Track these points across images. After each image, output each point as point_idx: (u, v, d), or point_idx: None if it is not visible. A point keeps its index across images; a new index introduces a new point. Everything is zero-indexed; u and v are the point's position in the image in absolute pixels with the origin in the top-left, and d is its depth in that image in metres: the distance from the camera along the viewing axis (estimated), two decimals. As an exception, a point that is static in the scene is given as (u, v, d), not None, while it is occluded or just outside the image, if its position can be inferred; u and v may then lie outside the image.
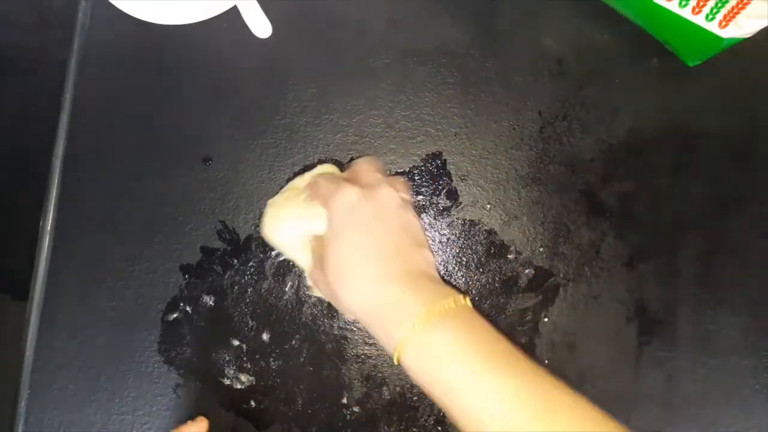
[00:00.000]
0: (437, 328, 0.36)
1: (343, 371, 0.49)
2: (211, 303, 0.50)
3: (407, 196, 0.44)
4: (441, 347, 0.35)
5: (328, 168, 0.49)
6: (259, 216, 0.50)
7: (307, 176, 0.49)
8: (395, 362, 0.37)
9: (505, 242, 0.51)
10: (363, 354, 0.50)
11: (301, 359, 0.49)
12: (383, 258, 0.39)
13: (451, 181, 0.51)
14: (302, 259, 0.45)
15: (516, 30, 0.53)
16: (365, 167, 0.45)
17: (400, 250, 0.40)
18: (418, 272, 0.39)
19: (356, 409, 0.49)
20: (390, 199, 0.41)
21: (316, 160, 0.51)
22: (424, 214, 0.51)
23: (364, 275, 0.39)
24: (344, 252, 0.40)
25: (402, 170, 0.51)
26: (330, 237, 0.41)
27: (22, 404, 0.48)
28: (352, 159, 0.51)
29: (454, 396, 0.35)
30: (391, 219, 0.41)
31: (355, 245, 0.40)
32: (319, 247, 0.43)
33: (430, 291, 0.38)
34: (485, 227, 0.51)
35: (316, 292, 0.48)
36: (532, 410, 0.33)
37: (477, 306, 0.50)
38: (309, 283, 0.47)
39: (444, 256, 0.51)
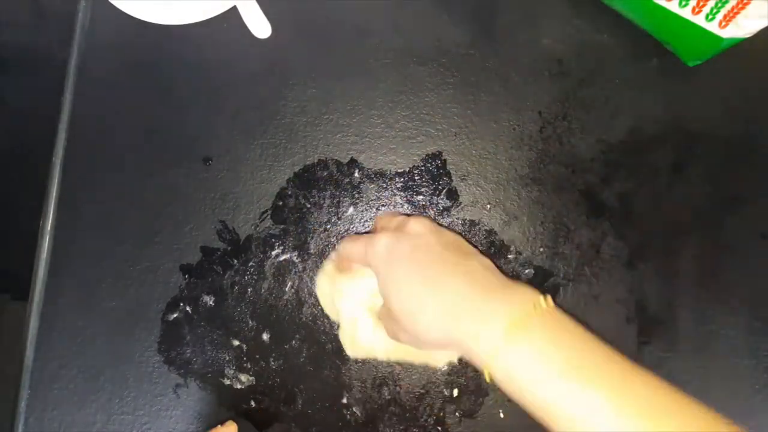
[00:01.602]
0: (522, 342, 0.34)
1: (343, 371, 0.49)
2: (211, 303, 0.50)
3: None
4: (530, 364, 0.34)
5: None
6: (260, 216, 0.50)
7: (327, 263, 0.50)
8: (488, 381, 0.36)
9: (505, 242, 0.51)
10: (363, 354, 0.50)
11: (301, 359, 0.49)
12: (443, 283, 0.38)
13: (451, 181, 0.51)
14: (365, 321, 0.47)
15: (516, 30, 0.53)
16: (383, 219, 0.46)
17: (454, 267, 0.39)
18: (483, 282, 0.38)
19: (356, 409, 0.49)
20: (421, 228, 0.41)
21: (316, 160, 0.51)
22: (425, 213, 0.51)
23: (432, 307, 0.38)
24: (404, 294, 0.39)
25: (402, 170, 0.51)
26: (384, 287, 0.40)
27: (22, 404, 0.48)
28: (352, 159, 0.51)
29: (553, 412, 0.33)
30: (431, 244, 0.40)
31: (411, 283, 0.39)
32: (377, 300, 0.43)
33: (504, 299, 0.37)
34: (485, 227, 0.51)
35: (406, 355, 0.47)
36: (638, 414, 0.32)
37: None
38: (391, 347, 0.47)
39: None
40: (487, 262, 0.40)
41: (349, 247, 0.45)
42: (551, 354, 0.34)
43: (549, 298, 0.37)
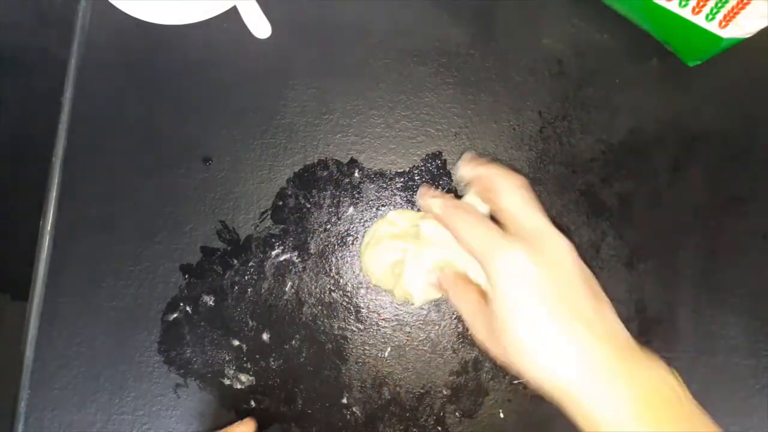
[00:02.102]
0: (651, 425, 0.31)
1: (343, 371, 0.49)
2: (211, 303, 0.50)
3: (530, 195, 0.38)
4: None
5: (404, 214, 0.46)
6: (260, 216, 0.50)
7: (394, 218, 0.46)
8: None
9: (505, 242, 0.51)
10: (363, 354, 0.50)
11: (301, 359, 0.49)
12: (571, 330, 0.33)
13: (451, 181, 0.51)
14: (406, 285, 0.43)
15: (516, 30, 0.53)
16: (502, 182, 0.38)
17: (587, 315, 0.34)
18: (614, 338, 0.34)
19: (356, 409, 0.49)
20: (561, 252, 0.36)
21: (316, 160, 0.51)
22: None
23: (551, 352, 0.33)
24: (525, 332, 0.34)
25: (402, 170, 0.51)
26: (503, 314, 0.35)
27: (22, 404, 0.48)
28: (352, 159, 0.51)
29: None
30: (572, 280, 0.35)
31: (538, 322, 0.34)
32: (473, 303, 0.38)
33: (637, 368, 0.33)
34: (485, 227, 0.51)
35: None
36: None
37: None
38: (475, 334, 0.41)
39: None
40: (614, 312, 0.36)
41: (469, 235, 0.37)
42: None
43: (679, 378, 0.33)
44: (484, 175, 0.39)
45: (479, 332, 0.38)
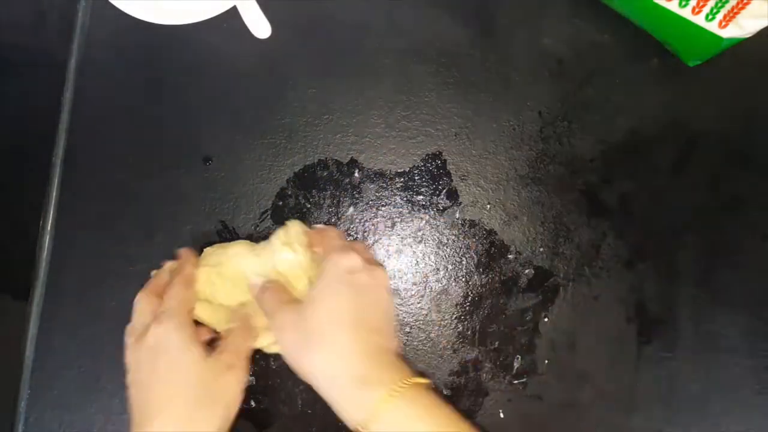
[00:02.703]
0: (391, 413, 0.37)
1: (343, 371, 0.49)
2: (211, 303, 0.50)
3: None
4: (406, 421, 0.37)
5: (297, 226, 0.46)
6: (260, 216, 0.50)
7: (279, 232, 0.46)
8: None
9: (505, 242, 0.51)
10: (363, 354, 0.50)
11: (301, 359, 0.49)
12: (366, 334, 0.39)
13: (451, 181, 0.51)
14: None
15: (516, 30, 0.53)
16: (332, 234, 0.45)
17: (382, 329, 0.41)
18: (390, 351, 0.40)
19: (356, 409, 0.49)
20: (385, 281, 0.42)
21: (316, 160, 0.51)
22: (425, 213, 0.51)
23: (342, 346, 0.39)
24: (327, 315, 0.40)
25: (402, 170, 0.51)
26: (317, 294, 0.41)
27: (22, 404, 0.48)
28: (352, 159, 0.51)
29: None
30: (381, 298, 0.42)
31: (342, 312, 0.40)
32: (287, 293, 0.43)
33: (398, 369, 0.39)
34: (485, 227, 0.51)
35: (270, 346, 0.46)
36: None
37: (478, 307, 0.50)
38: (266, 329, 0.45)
39: (444, 257, 0.51)
40: (398, 343, 0.43)
41: (330, 236, 0.45)
42: (427, 419, 0.37)
43: (430, 385, 0.39)
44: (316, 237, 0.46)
45: (280, 324, 0.42)
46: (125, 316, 0.49)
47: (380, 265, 0.43)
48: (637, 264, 0.51)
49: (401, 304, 0.50)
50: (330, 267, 0.41)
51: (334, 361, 0.39)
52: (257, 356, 0.49)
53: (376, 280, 0.42)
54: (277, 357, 0.49)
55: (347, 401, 0.39)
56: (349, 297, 0.40)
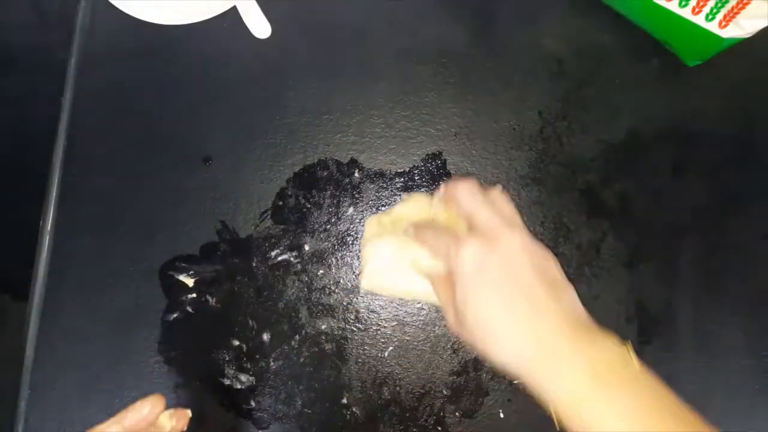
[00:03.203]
0: (607, 398, 0.34)
1: (343, 371, 0.49)
2: (211, 303, 0.50)
3: (510, 210, 0.41)
4: (614, 422, 0.33)
5: (419, 198, 0.46)
6: (260, 216, 0.50)
7: (400, 210, 0.46)
8: (557, 427, 0.35)
9: (505, 242, 0.51)
10: (363, 354, 0.50)
11: (301, 359, 0.49)
12: (528, 313, 0.37)
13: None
14: (413, 285, 0.44)
15: (516, 30, 0.53)
16: (464, 193, 0.41)
17: (542, 299, 0.37)
18: (570, 320, 0.37)
19: (356, 409, 0.49)
20: (515, 245, 0.38)
21: (316, 160, 0.51)
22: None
23: (511, 335, 0.36)
24: (484, 314, 0.37)
25: (402, 170, 0.51)
26: (463, 297, 0.38)
27: (22, 404, 0.48)
28: (352, 159, 0.51)
29: None
30: (524, 268, 0.38)
31: (494, 304, 0.37)
32: (446, 292, 0.40)
33: (590, 345, 0.36)
34: (485, 227, 0.51)
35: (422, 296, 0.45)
36: None
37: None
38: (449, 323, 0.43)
39: (444, 256, 0.51)
40: (574, 295, 0.39)
41: (430, 239, 0.42)
42: (635, 418, 0.33)
43: (631, 347, 0.36)
44: (447, 190, 0.43)
45: (451, 320, 0.41)
46: (125, 316, 0.49)
47: (508, 231, 0.39)
48: (637, 264, 0.51)
49: (401, 304, 0.50)
50: (454, 268, 0.38)
51: (509, 356, 0.37)
52: (257, 356, 0.49)
53: (507, 253, 0.38)
54: (277, 357, 0.49)
55: (540, 391, 0.36)
56: (491, 291, 0.37)
